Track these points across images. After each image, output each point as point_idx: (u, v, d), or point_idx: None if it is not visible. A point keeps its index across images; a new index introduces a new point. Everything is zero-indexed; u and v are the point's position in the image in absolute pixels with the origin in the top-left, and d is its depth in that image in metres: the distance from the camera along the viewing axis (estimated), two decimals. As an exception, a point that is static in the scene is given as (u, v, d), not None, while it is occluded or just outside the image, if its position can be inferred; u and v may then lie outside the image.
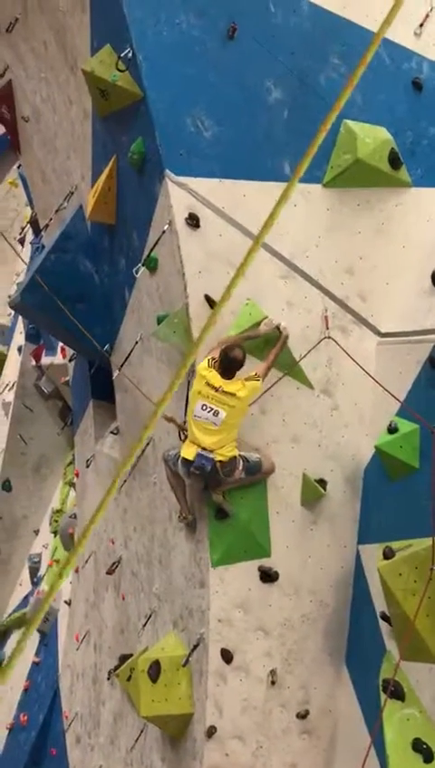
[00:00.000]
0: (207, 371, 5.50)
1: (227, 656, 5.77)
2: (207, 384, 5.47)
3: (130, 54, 5.58)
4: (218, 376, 5.48)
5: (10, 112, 9.69)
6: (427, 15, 6.32)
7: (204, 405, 5.47)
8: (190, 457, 5.53)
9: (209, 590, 5.75)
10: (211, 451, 5.50)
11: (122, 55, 5.62)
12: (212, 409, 5.45)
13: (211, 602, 5.75)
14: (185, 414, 5.79)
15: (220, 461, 5.53)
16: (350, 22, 6.09)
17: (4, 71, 9.19)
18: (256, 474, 5.77)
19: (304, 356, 5.90)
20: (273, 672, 5.87)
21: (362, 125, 6.05)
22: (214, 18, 5.69)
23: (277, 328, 5.82)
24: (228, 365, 5.45)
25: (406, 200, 6.26)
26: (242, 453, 5.66)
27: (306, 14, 5.97)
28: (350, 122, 6.02)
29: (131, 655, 7.42)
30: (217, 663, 5.77)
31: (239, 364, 5.46)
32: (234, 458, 5.59)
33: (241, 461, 5.63)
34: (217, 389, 5.45)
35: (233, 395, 5.43)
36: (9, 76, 9.25)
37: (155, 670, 6.04)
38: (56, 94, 7.82)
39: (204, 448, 5.50)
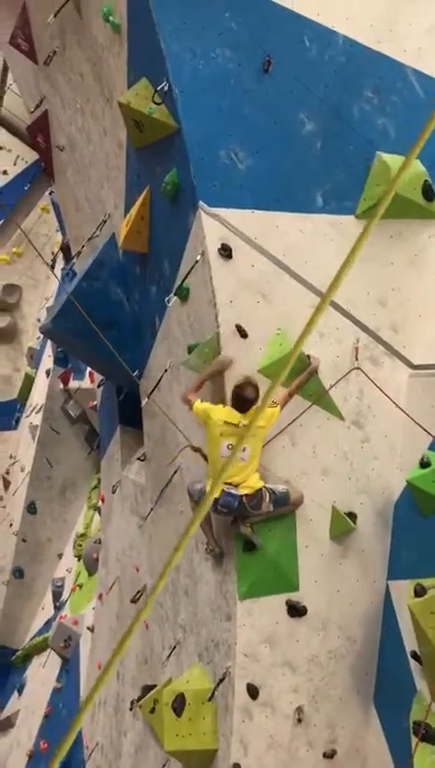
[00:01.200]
0: (220, 411, 5.51)
1: (253, 691, 5.67)
2: (226, 423, 5.47)
3: (166, 87, 5.65)
4: (234, 412, 5.48)
5: (45, 141, 9.86)
6: (461, 49, 6.33)
7: (229, 444, 5.47)
8: (217, 494, 5.47)
9: (236, 623, 5.67)
10: (236, 486, 5.47)
11: (159, 88, 5.69)
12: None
13: (238, 636, 5.67)
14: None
15: (246, 494, 5.48)
16: (384, 56, 6.12)
17: (40, 101, 9.37)
18: (285, 506, 5.71)
19: (333, 385, 5.85)
20: (299, 709, 5.75)
21: (395, 157, 6.04)
22: (249, 52, 5.74)
23: (307, 357, 5.80)
24: (244, 404, 5.45)
25: (439, 232, 6.23)
26: (268, 485, 5.61)
27: (341, 48, 6.01)
28: (383, 155, 6.01)
29: (155, 686, 7.32)
30: (243, 698, 5.67)
31: (254, 402, 5.43)
32: (260, 490, 5.53)
33: (268, 493, 5.57)
34: (237, 426, 5.45)
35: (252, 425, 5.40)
36: (45, 106, 9.42)
37: (180, 703, 5.95)
38: (91, 125, 7.95)
39: (230, 484, 5.46)
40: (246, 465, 5.49)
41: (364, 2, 6.05)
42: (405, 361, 6.14)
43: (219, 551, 5.88)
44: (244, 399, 5.43)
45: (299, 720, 5.74)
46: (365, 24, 6.06)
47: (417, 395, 6.04)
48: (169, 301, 6.12)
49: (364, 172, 6.06)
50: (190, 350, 6.00)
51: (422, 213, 6.11)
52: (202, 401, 5.66)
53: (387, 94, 6.11)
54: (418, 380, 6.10)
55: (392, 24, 6.14)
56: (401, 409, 5.95)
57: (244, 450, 5.44)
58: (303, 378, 5.74)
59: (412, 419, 5.81)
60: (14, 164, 19.86)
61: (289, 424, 5.71)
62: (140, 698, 7.52)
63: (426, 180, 6.07)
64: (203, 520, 5.90)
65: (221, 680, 5.73)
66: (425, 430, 5.58)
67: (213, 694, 5.79)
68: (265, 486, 5.57)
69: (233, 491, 5.45)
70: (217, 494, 5.44)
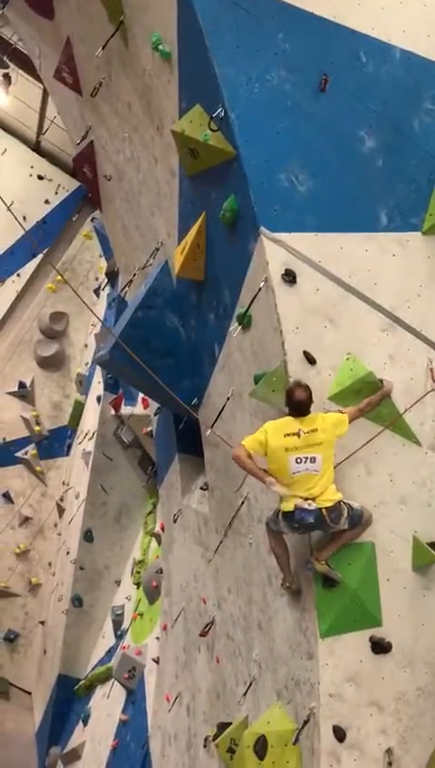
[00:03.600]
0: (277, 425, 5.30)
1: (339, 733, 5.42)
2: (287, 435, 5.23)
3: (222, 113, 5.54)
4: (292, 421, 5.27)
5: (92, 172, 9.87)
6: None
7: (298, 458, 5.23)
8: (291, 509, 5.25)
9: (319, 662, 5.44)
10: (313, 499, 5.21)
11: (214, 115, 5.58)
12: (307, 458, 5.21)
13: (321, 675, 5.43)
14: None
15: (326, 507, 5.22)
16: (443, 66, 5.93)
17: (86, 132, 9.38)
18: (358, 525, 5.44)
19: (408, 409, 5.64)
20: (389, 751, 5.48)
21: (460, 170, 5.84)
22: (305, 71, 5.61)
23: (380, 382, 5.58)
24: (298, 405, 5.25)
25: None
26: (345, 500, 5.37)
27: (398, 61, 5.84)
28: (448, 168, 5.81)
29: (230, 723, 7.12)
30: (330, 741, 5.42)
31: (308, 399, 5.24)
32: (339, 503, 5.28)
33: (346, 507, 5.32)
34: (299, 435, 5.21)
35: (315, 430, 5.21)
36: (91, 137, 9.44)
37: (262, 746, 5.72)
38: (141, 153, 7.90)
39: (306, 499, 5.20)
40: (320, 475, 5.23)
41: (420, 13, 5.89)
42: None
43: (296, 587, 5.67)
44: (298, 401, 5.22)
45: (389, 763, 5.46)
46: (422, 35, 5.89)
47: None
48: (233, 330, 5.97)
49: (428, 186, 5.87)
50: (256, 379, 5.82)
51: None
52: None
53: (448, 105, 5.91)
54: None
55: (450, 33, 5.95)
56: None
57: (314, 461, 5.20)
58: (375, 397, 5.52)
59: None
60: (56, 193, 20.04)
61: (360, 448, 5.50)
62: (215, 736, 7.33)
63: None
64: (281, 556, 5.69)
65: (306, 722, 5.49)
66: None
67: (298, 737, 5.55)
68: (342, 501, 5.33)
69: (306, 506, 5.18)
70: (291, 509, 5.22)
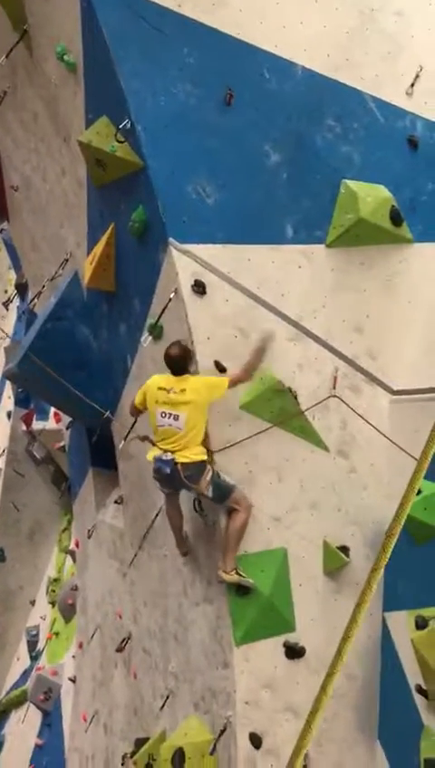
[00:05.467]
0: (158, 379, 5.48)
1: (256, 740, 5.46)
2: (160, 389, 5.40)
3: (128, 125, 5.55)
4: (171, 378, 5.41)
5: (-2, 182, 9.65)
6: (417, 75, 6.39)
7: (163, 412, 5.37)
8: (151, 459, 5.43)
9: (234, 670, 5.47)
10: (172, 453, 5.32)
11: (121, 126, 5.58)
12: (171, 414, 5.34)
13: (237, 683, 5.46)
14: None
15: (182, 463, 5.30)
16: (343, 84, 6.14)
17: (-9, 142, 9.17)
18: (225, 499, 5.45)
19: (308, 409, 5.72)
20: (305, 755, 5.53)
21: (361, 184, 6.05)
22: (210, 86, 5.69)
23: (289, 389, 5.69)
24: (170, 362, 5.41)
25: (409, 256, 6.23)
26: (217, 470, 5.43)
27: (300, 78, 6.00)
28: (349, 182, 6.01)
29: (147, 738, 7.04)
30: (247, 748, 5.45)
31: (179, 357, 5.38)
32: (199, 464, 5.33)
33: (211, 473, 5.37)
34: (169, 391, 5.36)
35: (184, 390, 5.32)
36: (-4, 147, 9.24)
37: (179, 759, 5.68)
38: (47, 164, 7.79)
39: (166, 452, 5.32)
40: (182, 434, 5.32)
41: (320, 32, 6.07)
42: (385, 387, 6.09)
43: (186, 550, 5.92)
44: (170, 358, 5.37)
45: (305, 766, 5.52)
46: (322, 53, 6.08)
47: (399, 420, 5.99)
48: (144, 341, 5.96)
49: (332, 200, 6.05)
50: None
51: (392, 238, 6.11)
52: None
53: (349, 122, 6.12)
54: (399, 406, 6.05)
55: (349, 53, 6.17)
56: (385, 436, 5.89)
57: (177, 419, 5.30)
58: (253, 358, 5.54)
59: (397, 445, 5.75)
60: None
61: (240, 440, 5.57)
62: (133, 753, 7.23)
63: (393, 206, 6.08)
64: (172, 516, 5.88)
65: (223, 731, 5.50)
66: (410, 455, 5.50)
67: (214, 746, 5.55)
68: (210, 466, 5.39)
69: (165, 457, 5.31)
70: (150, 459, 5.41)
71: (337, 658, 1.69)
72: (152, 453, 5.46)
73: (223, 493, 5.44)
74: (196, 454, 5.35)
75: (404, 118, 6.36)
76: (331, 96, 6.09)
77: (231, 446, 5.57)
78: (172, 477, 5.36)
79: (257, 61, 5.87)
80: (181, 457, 5.32)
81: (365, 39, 6.22)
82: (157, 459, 5.38)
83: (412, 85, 6.39)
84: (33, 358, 7.59)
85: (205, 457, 5.39)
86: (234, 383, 5.46)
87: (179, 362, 5.38)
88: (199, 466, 5.35)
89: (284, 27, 5.95)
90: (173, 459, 5.30)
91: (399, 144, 6.34)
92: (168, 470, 5.31)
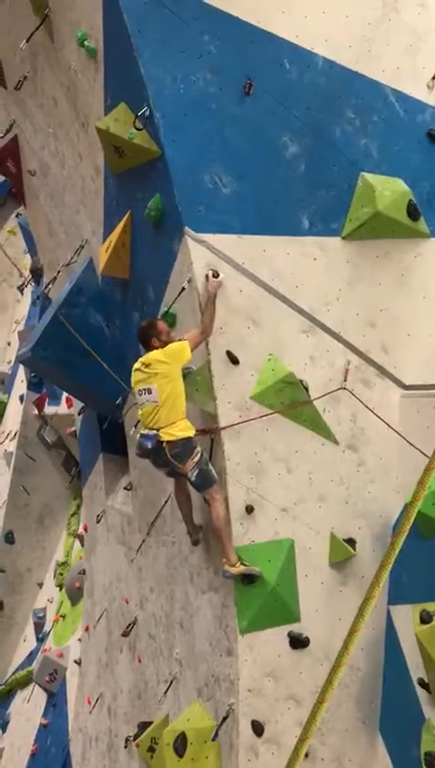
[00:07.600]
0: (138, 362, 5.52)
1: (258, 728, 5.51)
2: (136, 370, 5.47)
3: (147, 112, 5.54)
4: (144, 357, 5.49)
5: (15, 166, 9.68)
6: (439, 68, 6.34)
7: (140, 390, 5.42)
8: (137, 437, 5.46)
9: (238, 658, 5.51)
10: (157, 430, 5.30)
11: (139, 113, 5.57)
12: (145, 389, 5.36)
13: (240, 671, 5.51)
14: None
15: (168, 441, 5.27)
16: (363, 76, 6.09)
17: (10, 126, 9.19)
18: (205, 488, 5.43)
19: (316, 398, 5.73)
20: (306, 744, 5.58)
21: (379, 177, 6.02)
22: (230, 74, 5.67)
23: (300, 382, 5.70)
24: (141, 337, 5.53)
25: (425, 251, 6.21)
26: (206, 458, 5.42)
27: (320, 69, 5.97)
28: (367, 175, 5.98)
29: (151, 722, 7.12)
30: (248, 736, 5.51)
31: (143, 328, 5.51)
32: (186, 441, 5.29)
33: (199, 453, 5.35)
34: (141, 369, 5.43)
35: (150, 363, 5.35)
36: (15, 131, 9.25)
37: (181, 743, 5.76)
38: (65, 150, 7.80)
39: (151, 428, 5.32)
40: (158, 407, 5.28)
41: (342, 23, 6.02)
42: (397, 382, 6.09)
43: (196, 538, 5.91)
44: (139, 331, 5.52)
45: (306, 755, 5.56)
46: (344, 45, 6.03)
47: (410, 415, 5.98)
48: (157, 329, 5.96)
49: (349, 193, 6.02)
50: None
51: (408, 232, 6.08)
52: None
53: (368, 114, 6.09)
54: (410, 401, 6.04)
55: (370, 44, 6.12)
56: (395, 430, 5.89)
57: (150, 392, 5.31)
58: (207, 312, 5.41)
59: (406, 440, 5.75)
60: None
61: (234, 423, 5.54)
62: (136, 736, 7.32)
63: (410, 200, 6.04)
64: (181, 502, 5.90)
65: (225, 718, 5.56)
66: (420, 451, 5.50)
67: (217, 732, 5.61)
68: (201, 449, 5.37)
69: (149, 433, 5.30)
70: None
71: (343, 652, 1.68)
72: (138, 433, 5.51)
73: (205, 481, 5.41)
74: (181, 430, 5.30)
75: (424, 111, 6.31)
76: (351, 88, 6.05)
77: (236, 424, 5.54)
78: (157, 454, 5.33)
79: (278, 50, 5.84)
80: (166, 435, 5.27)
81: (387, 31, 6.17)
82: (141, 435, 5.37)
83: (433, 78, 6.33)
84: (46, 344, 7.65)
85: (191, 434, 5.33)
86: (197, 341, 5.40)
87: (144, 334, 5.51)
88: (187, 445, 5.30)
89: (305, 17, 5.91)
90: (157, 435, 5.27)
91: (418, 138, 6.30)
92: (148, 445, 5.27)
